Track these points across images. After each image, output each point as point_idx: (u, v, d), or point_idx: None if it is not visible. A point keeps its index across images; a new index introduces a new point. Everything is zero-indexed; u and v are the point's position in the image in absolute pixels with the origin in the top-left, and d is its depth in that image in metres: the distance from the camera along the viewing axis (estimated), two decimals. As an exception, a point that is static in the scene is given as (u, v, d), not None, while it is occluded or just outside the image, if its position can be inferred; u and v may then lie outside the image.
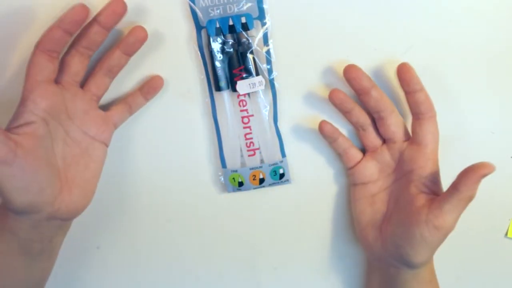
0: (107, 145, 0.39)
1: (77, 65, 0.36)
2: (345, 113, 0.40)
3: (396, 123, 0.39)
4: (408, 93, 0.38)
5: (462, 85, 0.42)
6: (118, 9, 0.35)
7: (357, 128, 0.41)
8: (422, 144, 0.38)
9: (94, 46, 0.36)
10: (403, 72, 0.37)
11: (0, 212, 0.35)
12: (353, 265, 0.46)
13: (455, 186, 0.34)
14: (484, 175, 0.33)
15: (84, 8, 0.33)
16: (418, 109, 0.37)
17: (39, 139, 0.33)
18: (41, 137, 0.34)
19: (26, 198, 0.33)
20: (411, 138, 0.39)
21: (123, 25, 0.39)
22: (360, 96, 0.39)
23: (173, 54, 0.40)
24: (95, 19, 0.35)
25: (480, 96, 0.42)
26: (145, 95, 0.40)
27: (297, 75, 0.41)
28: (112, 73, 0.38)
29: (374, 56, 0.41)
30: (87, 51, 0.36)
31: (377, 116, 0.39)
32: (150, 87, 0.40)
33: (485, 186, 0.44)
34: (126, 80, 0.41)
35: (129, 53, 0.38)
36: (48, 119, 0.34)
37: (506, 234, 0.45)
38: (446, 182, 0.44)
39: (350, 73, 0.38)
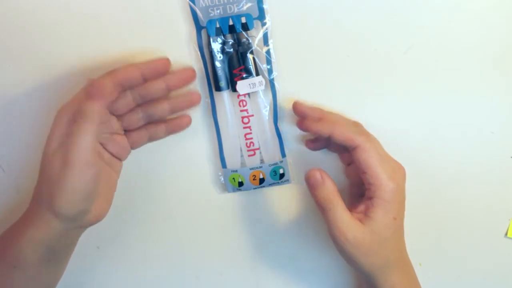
0: (122, 161, 0.41)
1: (122, 104, 0.38)
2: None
3: (340, 136, 0.38)
4: (330, 138, 0.37)
5: (462, 85, 0.42)
6: (188, 78, 0.39)
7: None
8: (361, 171, 0.37)
9: (149, 97, 0.38)
10: (307, 130, 0.39)
11: (32, 223, 0.36)
12: (353, 265, 0.46)
13: None
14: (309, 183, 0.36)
15: (168, 63, 0.38)
16: (343, 146, 0.38)
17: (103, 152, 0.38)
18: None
19: (82, 204, 0.36)
20: None
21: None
22: None
23: (173, 54, 0.40)
24: (163, 78, 0.38)
25: (480, 96, 0.42)
26: (170, 131, 0.41)
27: (297, 75, 0.41)
28: (150, 117, 0.40)
29: (374, 56, 0.41)
30: (140, 100, 0.38)
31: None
32: (176, 125, 0.41)
33: (485, 186, 0.44)
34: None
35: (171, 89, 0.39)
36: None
37: (506, 234, 0.45)
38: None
39: (295, 111, 0.40)
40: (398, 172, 0.38)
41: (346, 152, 0.41)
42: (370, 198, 0.37)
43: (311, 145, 0.42)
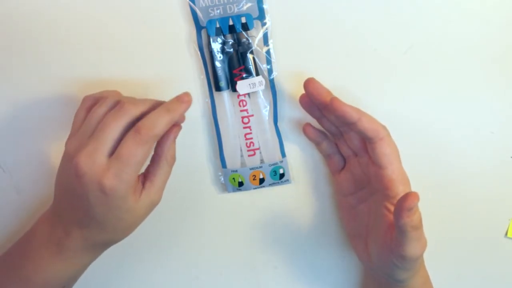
0: None
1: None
2: (317, 119, 0.40)
3: (357, 138, 0.38)
4: (349, 125, 0.35)
5: (462, 85, 0.42)
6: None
7: (333, 137, 0.41)
8: (381, 167, 0.36)
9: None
10: (334, 110, 0.35)
11: (64, 258, 0.36)
12: (353, 265, 0.46)
13: (395, 221, 0.32)
14: (410, 208, 0.30)
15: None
16: (365, 136, 0.35)
17: None
18: None
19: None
20: (371, 159, 0.37)
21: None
22: (321, 110, 0.39)
23: (173, 54, 0.40)
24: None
25: (480, 96, 0.42)
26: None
27: (297, 75, 0.41)
28: None
29: (374, 56, 0.41)
30: None
31: (341, 130, 0.39)
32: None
33: (485, 186, 0.44)
34: (128, 81, 0.41)
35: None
36: None
37: (506, 234, 0.45)
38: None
39: (308, 87, 0.37)
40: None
41: (336, 155, 0.41)
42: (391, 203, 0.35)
43: (311, 131, 0.41)
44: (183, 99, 0.34)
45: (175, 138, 0.37)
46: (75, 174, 0.32)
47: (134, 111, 0.32)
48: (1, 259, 0.39)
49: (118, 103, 0.33)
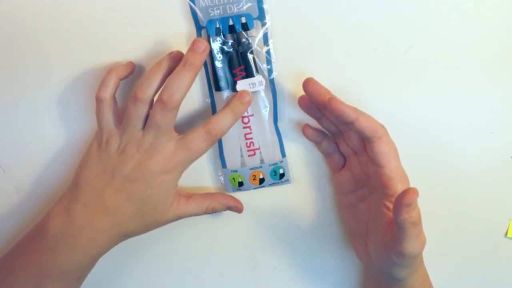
0: None
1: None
2: (316, 119, 0.40)
3: (356, 137, 0.38)
4: (347, 124, 0.36)
5: (461, 85, 0.42)
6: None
7: (333, 136, 0.41)
8: (379, 165, 0.36)
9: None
10: (332, 110, 0.35)
11: (96, 243, 0.38)
12: (353, 265, 0.46)
13: (394, 218, 0.32)
14: (408, 203, 0.30)
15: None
16: (363, 135, 0.36)
17: None
18: None
19: None
20: (370, 158, 0.37)
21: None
22: (321, 110, 0.39)
23: (173, 54, 0.40)
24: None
25: (480, 96, 0.42)
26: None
27: (297, 75, 0.41)
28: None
29: (374, 56, 0.41)
30: None
31: (341, 129, 0.39)
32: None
33: (485, 186, 0.44)
34: (128, 81, 0.41)
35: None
36: None
37: (506, 234, 0.45)
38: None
39: (307, 87, 0.37)
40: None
41: (336, 154, 0.41)
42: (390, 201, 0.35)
43: (310, 132, 0.41)
44: (245, 100, 0.39)
45: (231, 210, 0.43)
46: (147, 157, 0.37)
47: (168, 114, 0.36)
48: (11, 256, 0.39)
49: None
